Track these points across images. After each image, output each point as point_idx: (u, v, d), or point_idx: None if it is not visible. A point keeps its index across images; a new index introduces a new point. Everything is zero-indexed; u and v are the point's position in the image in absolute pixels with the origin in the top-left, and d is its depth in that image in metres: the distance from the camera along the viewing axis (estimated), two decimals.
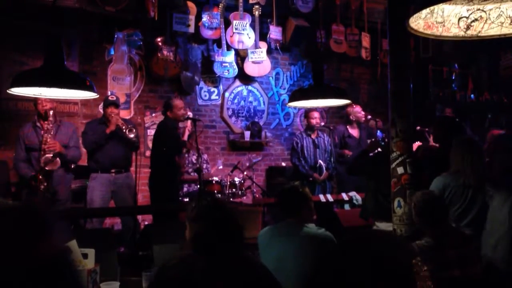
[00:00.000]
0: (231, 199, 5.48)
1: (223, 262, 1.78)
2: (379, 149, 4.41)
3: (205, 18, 6.18)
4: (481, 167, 3.17)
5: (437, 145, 4.25)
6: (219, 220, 1.86)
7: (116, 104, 4.81)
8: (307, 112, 5.97)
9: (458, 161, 3.19)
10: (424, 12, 2.03)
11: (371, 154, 4.48)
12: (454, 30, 2.12)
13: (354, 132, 6.12)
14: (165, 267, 1.81)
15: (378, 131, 5.78)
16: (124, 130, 4.68)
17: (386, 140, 4.96)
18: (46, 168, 4.36)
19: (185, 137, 5.32)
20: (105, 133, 4.70)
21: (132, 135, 4.70)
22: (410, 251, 0.91)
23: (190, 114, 5.59)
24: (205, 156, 6.03)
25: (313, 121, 5.84)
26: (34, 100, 4.52)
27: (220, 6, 6.18)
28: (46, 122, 4.45)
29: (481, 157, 3.20)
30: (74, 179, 4.99)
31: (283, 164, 6.92)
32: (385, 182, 3.71)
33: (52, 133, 4.45)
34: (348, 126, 6.15)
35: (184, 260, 1.80)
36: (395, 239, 0.95)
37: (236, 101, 6.83)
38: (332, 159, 5.80)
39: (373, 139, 5.50)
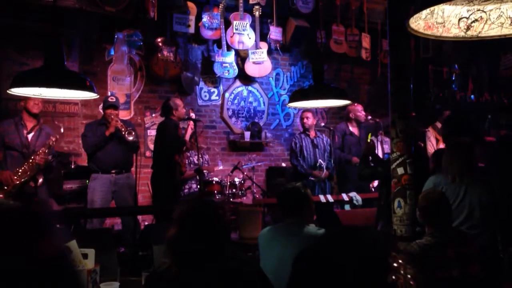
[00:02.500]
0: (231, 199, 5.48)
1: (197, 270, 1.76)
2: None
3: (205, 18, 6.18)
4: (469, 168, 3.16)
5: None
6: (195, 227, 1.80)
7: (115, 106, 4.81)
8: (301, 113, 5.99)
9: (447, 162, 3.22)
10: (424, 12, 2.03)
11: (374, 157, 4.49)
12: (454, 30, 2.12)
13: (354, 130, 6.12)
14: (153, 273, 1.82)
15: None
16: (123, 133, 4.68)
17: (373, 142, 4.99)
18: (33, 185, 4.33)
19: (187, 137, 5.32)
20: (105, 136, 4.70)
21: (131, 138, 4.70)
22: (391, 250, 0.90)
23: (193, 115, 5.59)
24: (206, 157, 6.03)
25: (307, 122, 5.85)
26: (25, 99, 4.44)
27: (220, 7, 6.18)
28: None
29: (466, 153, 3.19)
30: (75, 179, 5.00)
31: (283, 164, 6.92)
32: None
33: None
34: (349, 124, 6.15)
35: (167, 267, 1.80)
36: (379, 235, 0.95)
37: (236, 101, 6.83)
38: (331, 159, 5.80)
39: (368, 140, 5.51)
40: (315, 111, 6.11)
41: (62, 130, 4.58)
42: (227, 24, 6.31)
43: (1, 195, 4.21)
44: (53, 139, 4.47)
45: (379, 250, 0.86)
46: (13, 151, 4.41)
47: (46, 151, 4.40)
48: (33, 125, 4.55)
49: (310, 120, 5.85)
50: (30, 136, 4.51)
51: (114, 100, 4.88)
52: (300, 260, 0.92)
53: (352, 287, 0.83)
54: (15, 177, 4.30)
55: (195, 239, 1.78)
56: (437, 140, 6.20)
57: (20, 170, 4.32)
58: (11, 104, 5.35)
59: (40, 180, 4.37)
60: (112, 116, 4.74)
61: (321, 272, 0.87)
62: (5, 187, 4.27)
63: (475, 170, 3.21)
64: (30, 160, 4.34)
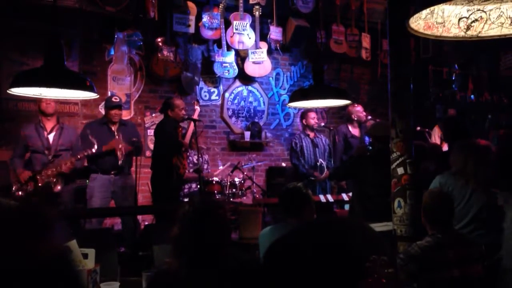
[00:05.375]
0: (231, 199, 5.48)
1: (201, 269, 1.76)
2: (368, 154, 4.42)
3: (205, 18, 6.18)
4: (484, 169, 3.17)
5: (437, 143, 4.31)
6: (198, 226, 1.81)
7: (120, 106, 4.88)
8: (305, 112, 6.01)
9: (459, 162, 3.20)
10: (424, 12, 2.03)
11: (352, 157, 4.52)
12: (454, 30, 2.12)
13: (355, 131, 6.15)
14: (156, 273, 1.82)
15: (366, 136, 5.82)
16: (118, 153, 4.69)
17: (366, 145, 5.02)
18: (54, 191, 4.36)
19: (188, 138, 5.32)
20: (101, 150, 4.68)
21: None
22: (375, 245, 0.90)
23: (197, 108, 5.63)
24: (206, 157, 6.03)
25: (312, 121, 5.87)
26: (38, 102, 4.55)
27: (220, 7, 6.18)
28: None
29: (484, 160, 3.20)
30: (74, 179, 5.00)
31: (283, 164, 6.92)
32: (370, 184, 3.76)
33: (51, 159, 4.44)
34: (349, 126, 6.17)
35: (170, 267, 1.80)
36: (362, 229, 0.93)
37: (236, 101, 6.83)
38: (331, 159, 5.81)
39: (359, 145, 5.54)
40: (321, 111, 6.13)
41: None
42: (227, 24, 6.31)
43: (21, 193, 4.26)
44: (84, 153, 4.48)
45: (351, 247, 0.86)
46: (37, 153, 4.49)
47: (74, 161, 4.44)
48: (53, 125, 4.59)
49: (315, 120, 5.89)
50: (51, 136, 4.56)
51: (118, 100, 4.92)
52: (271, 249, 0.92)
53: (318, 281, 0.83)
54: (38, 177, 4.31)
55: (199, 239, 1.79)
56: (442, 140, 6.20)
57: (43, 173, 4.33)
58: (11, 104, 5.35)
59: (59, 187, 4.39)
60: (116, 116, 4.77)
61: (290, 262, 0.87)
62: (25, 186, 4.29)
63: (487, 172, 3.20)
64: (58, 167, 4.37)
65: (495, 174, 3.23)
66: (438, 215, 2.63)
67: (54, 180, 4.34)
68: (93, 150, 4.48)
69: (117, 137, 4.74)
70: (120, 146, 4.71)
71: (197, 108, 5.64)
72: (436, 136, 6.26)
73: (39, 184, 4.28)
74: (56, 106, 4.71)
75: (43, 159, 4.47)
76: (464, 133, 3.97)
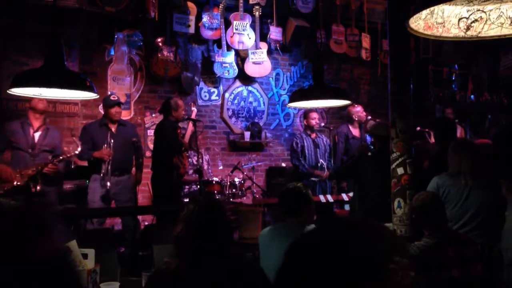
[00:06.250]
0: (231, 199, 5.48)
1: (203, 269, 1.76)
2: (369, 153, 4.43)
3: (205, 18, 6.18)
4: (480, 168, 3.18)
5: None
6: (202, 226, 1.82)
7: (119, 104, 4.87)
8: (306, 113, 6.01)
9: (456, 162, 3.21)
10: (424, 12, 2.03)
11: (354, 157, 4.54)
12: (454, 30, 2.12)
13: (356, 132, 6.16)
14: (155, 272, 1.82)
15: (367, 135, 5.83)
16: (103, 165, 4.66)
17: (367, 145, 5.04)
18: (32, 191, 4.30)
19: (187, 138, 5.33)
20: (92, 156, 4.67)
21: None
22: (394, 244, 0.89)
23: (194, 109, 5.64)
24: (206, 157, 6.03)
25: (313, 122, 5.88)
26: (30, 99, 4.50)
27: (220, 7, 6.18)
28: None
29: (479, 159, 3.21)
30: (74, 179, 5.00)
31: (283, 164, 6.92)
32: (370, 184, 3.78)
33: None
34: (350, 126, 6.18)
35: (170, 266, 1.80)
36: (379, 230, 0.93)
37: (236, 101, 6.83)
38: (331, 159, 5.82)
39: (362, 144, 5.56)
40: (321, 111, 6.14)
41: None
42: (227, 24, 6.31)
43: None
44: (68, 155, 4.44)
45: (370, 247, 0.86)
46: (20, 151, 4.44)
47: (57, 163, 4.41)
48: (40, 124, 4.58)
49: (316, 120, 5.91)
50: (37, 135, 4.53)
51: (116, 98, 4.91)
52: (291, 249, 0.92)
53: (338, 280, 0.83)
54: (18, 176, 4.28)
55: (203, 239, 1.79)
56: None
57: (23, 173, 4.27)
58: (11, 104, 5.35)
59: (38, 188, 4.35)
60: (116, 114, 4.76)
61: (309, 262, 0.87)
62: (5, 186, 4.25)
63: (484, 170, 3.21)
64: (39, 168, 4.30)
65: (494, 171, 3.24)
66: (429, 215, 2.64)
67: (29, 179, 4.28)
68: (76, 152, 4.42)
69: (108, 148, 4.68)
70: (108, 157, 4.66)
71: (194, 109, 5.65)
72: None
73: (19, 183, 4.21)
74: (47, 106, 4.66)
75: (25, 157, 4.41)
76: (451, 131, 4.00)
